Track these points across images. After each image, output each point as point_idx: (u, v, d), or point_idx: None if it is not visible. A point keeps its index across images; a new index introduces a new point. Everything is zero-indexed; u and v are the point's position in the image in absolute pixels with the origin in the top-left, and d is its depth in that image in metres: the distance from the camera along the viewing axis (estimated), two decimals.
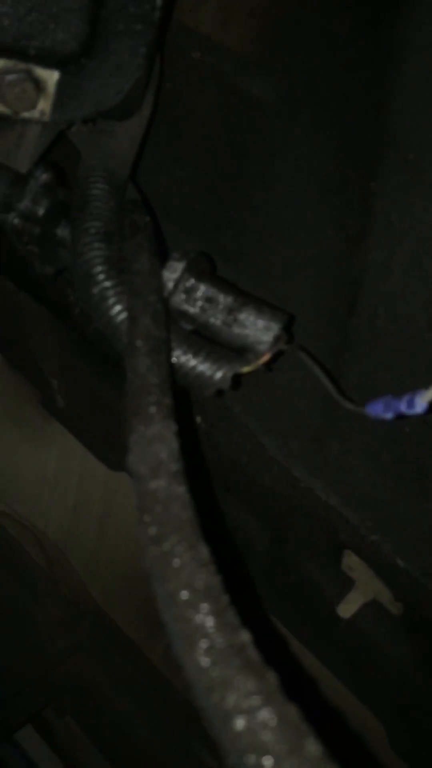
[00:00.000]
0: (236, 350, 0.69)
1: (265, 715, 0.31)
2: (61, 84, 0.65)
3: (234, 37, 0.84)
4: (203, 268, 0.72)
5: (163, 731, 1.42)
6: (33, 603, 1.43)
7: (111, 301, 0.65)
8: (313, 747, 0.29)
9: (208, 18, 0.84)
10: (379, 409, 0.59)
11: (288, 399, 0.90)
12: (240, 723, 0.31)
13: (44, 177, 0.70)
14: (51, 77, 0.64)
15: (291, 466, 0.89)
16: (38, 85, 0.64)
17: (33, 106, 0.64)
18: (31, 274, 1.11)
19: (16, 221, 0.69)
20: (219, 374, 0.65)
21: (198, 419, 0.98)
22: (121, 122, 0.74)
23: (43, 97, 0.64)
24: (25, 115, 0.65)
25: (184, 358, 0.66)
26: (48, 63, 0.63)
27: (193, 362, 0.65)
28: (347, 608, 0.96)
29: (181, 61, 0.86)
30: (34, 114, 0.65)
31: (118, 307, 0.65)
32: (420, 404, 0.54)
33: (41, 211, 0.70)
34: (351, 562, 0.94)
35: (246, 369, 0.67)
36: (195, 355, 0.65)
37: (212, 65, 0.86)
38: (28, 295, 1.14)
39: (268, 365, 0.69)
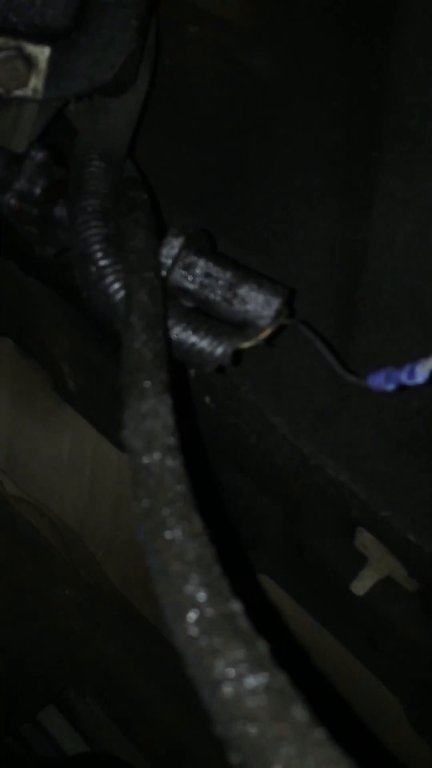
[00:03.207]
0: (237, 326, 0.68)
1: (252, 682, 0.30)
2: (52, 60, 0.64)
3: (232, 10, 0.83)
4: (202, 244, 0.71)
5: (183, 711, 1.43)
6: (51, 586, 1.44)
7: (109, 279, 0.64)
8: (299, 712, 0.29)
9: None
10: (381, 381, 0.58)
11: (295, 376, 0.90)
12: (227, 690, 0.31)
13: (40, 156, 0.70)
14: (42, 54, 0.63)
15: (300, 444, 0.89)
16: (29, 62, 0.63)
17: (25, 84, 0.64)
18: (37, 258, 1.11)
19: (12, 202, 0.69)
20: (219, 350, 0.65)
21: (207, 399, 0.97)
22: (117, 98, 0.73)
23: (34, 74, 0.64)
24: (18, 93, 0.64)
25: (184, 335, 0.65)
26: (38, 39, 0.63)
27: (193, 339, 0.65)
28: (361, 585, 0.96)
29: (178, 35, 0.85)
30: (27, 92, 0.64)
31: (116, 285, 0.64)
32: (420, 374, 0.53)
33: (38, 191, 0.70)
34: (364, 539, 0.93)
35: (246, 344, 0.66)
36: (195, 331, 0.65)
37: (211, 39, 0.85)
38: (35, 280, 1.14)
39: (269, 340, 0.69)
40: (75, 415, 1.27)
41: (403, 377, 0.55)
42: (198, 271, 0.68)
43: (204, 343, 0.65)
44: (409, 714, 1.02)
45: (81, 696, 1.58)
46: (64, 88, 0.65)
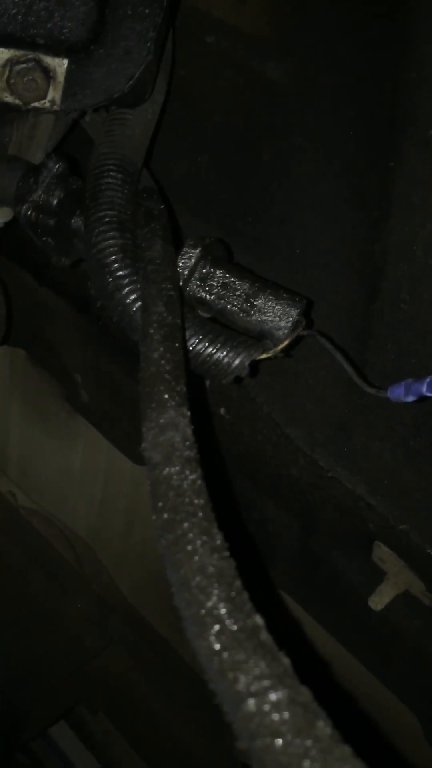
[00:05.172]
0: (254, 337, 0.68)
1: (276, 696, 0.30)
2: (70, 72, 0.64)
3: (248, 20, 0.83)
4: (219, 255, 0.71)
5: (195, 726, 1.42)
6: (63, 599, 1.43)
7: (125, 290, 0.64)
8: (323, 727, 0.28)
9: (221, 1, 0.83)
10: (401, 393, 0.57)
11: (312, 387, 0.89)
12: (251, 705, 0.30)
13: (57, 167, 0.70)
14: (60, 66, 0.64)
15: (317, 456, 0.88)
16: (48, 74, 0.63)
17: (43, 96, 0.64)
18: (51, 268, 1.12)
19: (30, 213, 0.69)
20: (237, 361, 0.64)
21: (222, 411, 0.97)
22: (134, 109, 0.73)
23: (52, 86, 0.64)
24: (36, 104, 0.64)
25: (201, 346, 0.65)
26: (57, 51, 0.63)
27: (210, 350, 0.64)
28: (379, 600, 0.94)
29: (194, 45, 0.85)
30: (45, 103, 0.64)
31: (132, 296, 0.64)
32: None
33: (54, 202, 0.70)
34: (382, 553, 0.92)
35: (264, 355, 0.65)
36: (212, 342, 0.64)
37: (226, 49, 0.85)
38: (49, 290, 1.15)
39: (287, 351, 0.68)
40: (87, 426, 1.27)
41: (424, 389, 0.54)
42: (215, 281, 0.67)
43: (221, 354, 0.64)
44: (427, 731, 1.01)
45: (92, 711, 1.56)
46: (81, 100, 0.65)
